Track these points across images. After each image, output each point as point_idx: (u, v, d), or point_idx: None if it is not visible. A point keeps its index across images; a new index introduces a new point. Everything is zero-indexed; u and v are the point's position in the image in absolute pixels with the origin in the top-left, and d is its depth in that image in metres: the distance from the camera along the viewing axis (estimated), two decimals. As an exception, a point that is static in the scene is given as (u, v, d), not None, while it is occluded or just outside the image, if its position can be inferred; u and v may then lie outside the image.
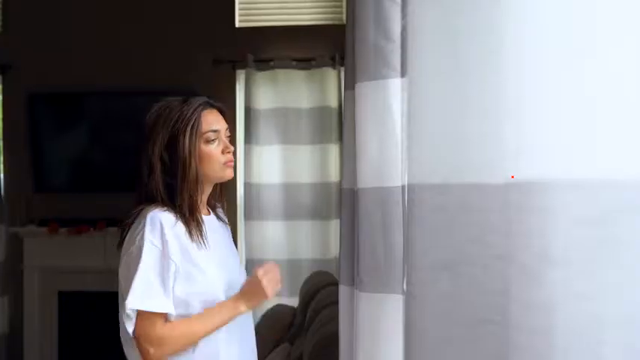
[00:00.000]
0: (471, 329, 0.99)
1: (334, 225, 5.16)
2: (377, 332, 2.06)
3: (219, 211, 2.25)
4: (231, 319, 2.04)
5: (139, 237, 1.99)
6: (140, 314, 1.97)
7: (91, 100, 5.62)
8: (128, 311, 1.96)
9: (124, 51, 5.52)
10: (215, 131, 2.10)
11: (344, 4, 5.35)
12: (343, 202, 2.38)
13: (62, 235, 5.41)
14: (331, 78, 5.35)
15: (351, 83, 2.29)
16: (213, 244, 2.07)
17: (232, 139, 2.21)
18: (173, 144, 2.05)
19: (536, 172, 0.83)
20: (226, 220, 2.28)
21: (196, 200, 2.05)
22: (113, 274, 6.17)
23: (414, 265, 1.04)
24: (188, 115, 2.07)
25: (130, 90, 5.49)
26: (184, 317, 2.00)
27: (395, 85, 1.95)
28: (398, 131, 1.31)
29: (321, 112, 5.35)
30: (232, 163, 2.14)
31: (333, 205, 5.27)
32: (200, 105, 2.10)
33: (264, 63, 5.40)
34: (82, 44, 5.57)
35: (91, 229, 5.37)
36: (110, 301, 5.55)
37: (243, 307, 2.05)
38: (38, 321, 5.55)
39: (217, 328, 2.02)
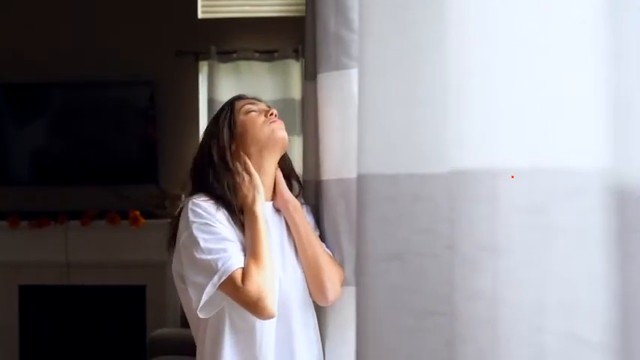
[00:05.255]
0: (420, 320, 0.99)
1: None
2: (346, 325, 2.07)
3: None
4: (259, 226, 2.00)
5: (185, 228, 1.98)
6: (223, 284, 1.91)
7: (53, 92, 5.55)
8: (206, 293, 1.89)
9: (86, 42, 5.46)
10: (252, 104, 2.17)
11: (307, -5, 5.32)
12: (305, 194, 2.37)
13: (23, 228, 5.34)
14: (294, 70, 5.33)
15: (311, 74, 2.28)
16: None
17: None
18: (216, 133, 2.12)
19: (479, 160, 0.83)
20: (281, 215, 2.19)
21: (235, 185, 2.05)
22: (74, 267, 6.03)
23: (365, 255, 1.04)
24: (224, 105, 2.19)
25: (92, 81, 5.44)
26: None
27: (357, 76, 1.94)
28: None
29: (284, 104, 5.33)
30: (277, 122, 2.13)
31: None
32: (233, 98, 2.22)
33: (227, 54, 5.37)
34: (43, 35, 5.50)
35: (53, 222, 5.32)
36: (71, 295, 5.54)
37: (252, 210, 2.02)
38: (-2, 316, 5.49)
39: (264, 239, 1.98)
